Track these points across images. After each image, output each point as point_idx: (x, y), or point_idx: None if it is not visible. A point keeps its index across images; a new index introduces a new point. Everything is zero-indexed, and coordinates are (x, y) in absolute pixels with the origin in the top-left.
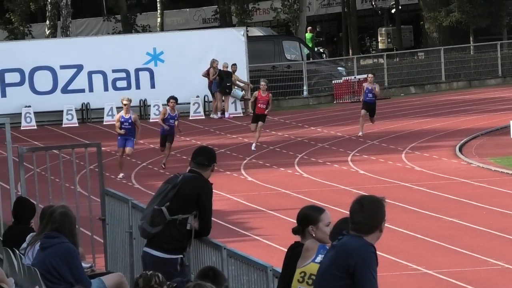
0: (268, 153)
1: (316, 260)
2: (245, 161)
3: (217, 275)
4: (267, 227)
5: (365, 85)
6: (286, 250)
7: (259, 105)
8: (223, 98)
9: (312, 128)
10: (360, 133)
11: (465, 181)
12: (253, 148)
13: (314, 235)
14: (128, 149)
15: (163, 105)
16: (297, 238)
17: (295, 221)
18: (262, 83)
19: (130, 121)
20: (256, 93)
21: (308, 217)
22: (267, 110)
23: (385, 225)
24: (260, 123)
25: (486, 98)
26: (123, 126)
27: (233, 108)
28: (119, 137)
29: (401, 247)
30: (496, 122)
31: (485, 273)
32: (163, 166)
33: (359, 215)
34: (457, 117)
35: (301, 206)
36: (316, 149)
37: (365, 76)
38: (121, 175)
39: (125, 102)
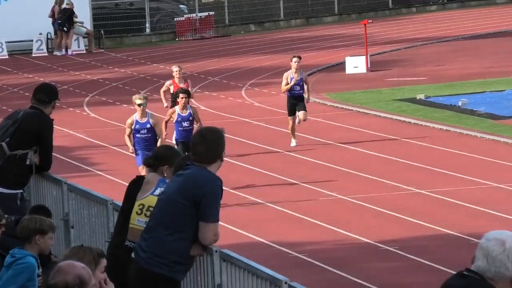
0: (111, 90)
1: (155, 193)
2: (87, 98)
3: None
4: (109, 162)
5: (289, 74)
6: (128, 184)
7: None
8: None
9: (155, 65)
10: (294, 143)
11: (312, 117)
12: None
13: (165, 175)
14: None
15: None
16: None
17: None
18: (176, 69)
19: (148, 126)
20: (169, 82)
21: (167, 158)
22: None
23: (225, 159)
24: None
25: (323, 35)
26: (137, 136)
27: (76, 45)
28: (138, 151)
29: (240, 180)
30: (332, 59)
31: (319, 203)
32: None
33: (201, 146)
34: (293, 53)
35: None
36: (160, 86)
37: (206, 14)
38: None
39: (139, 101)
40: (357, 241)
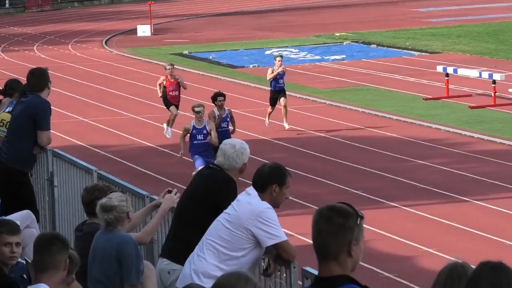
0: None
1: (5, 111)
2: None
3: None
4: None
5: (274, 69)
6: None
7: (170, 93)
8: None
9: (11, 27)
10: (268, 122)
11: (109, 62)
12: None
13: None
14: None
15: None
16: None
17: None
18: (168, 67)
19: (205, 132)
20: (163, 78)
21: (16, 88)
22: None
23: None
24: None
25: (122, 10)
26: (195, 142)
27: None
28: (195, 156)
29: (69, 104)
30: (128, 26)
31: (121, 121)
32: None
33: (32, 80)
34: (103, 22)
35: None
36: (14, 41)
37: None
38: None
39: (197, 109)
40: (145, 145)
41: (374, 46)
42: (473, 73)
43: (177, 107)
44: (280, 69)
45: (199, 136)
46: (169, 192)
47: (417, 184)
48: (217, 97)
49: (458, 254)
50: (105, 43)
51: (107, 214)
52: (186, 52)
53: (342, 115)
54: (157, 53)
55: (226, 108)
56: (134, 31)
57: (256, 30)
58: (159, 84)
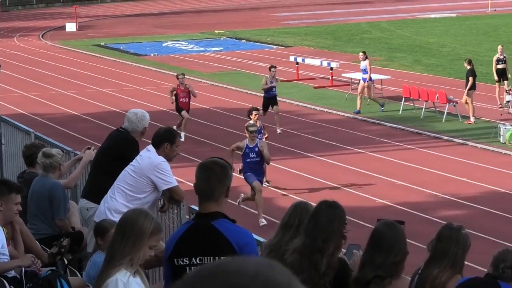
0: None
1: None
2: None
3: None
4: None
5: (267, 79)
6: None
7: (181, 99)
8: None
9: None
10: (279, 131)
11: (44, 51)
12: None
13: None
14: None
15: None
16: None
17: None
18: (180, 76)
19: (256, 150)
20: (174, 87)
21: None
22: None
23: (3, 71)
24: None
25: (58, 12)
26: (248, 160)
27: None
28: (248, 173)
29: (17, 83)
30: (59, 23)
31: (54, 96)
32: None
33: None
34: (40, 21)
35: None
36: None
37: None
38: (263, 220)
39: (252, 129)
40: (72, 114)
41: (244, 41)
42: (316, 62)
43: (187, 112)
44: (273, 81)
45: (252, 154)
46: (89, 148)
47: (276, 144)
48: (252, 111)
49: (304, 195)
50: (42, 36)
51: (45, 158)
52: (103, 43)
53: (220, 92)
54: (81, 44)
55: (260, 121)
56: (63, 27)
57: (156, 27)
58: (171, 92)
